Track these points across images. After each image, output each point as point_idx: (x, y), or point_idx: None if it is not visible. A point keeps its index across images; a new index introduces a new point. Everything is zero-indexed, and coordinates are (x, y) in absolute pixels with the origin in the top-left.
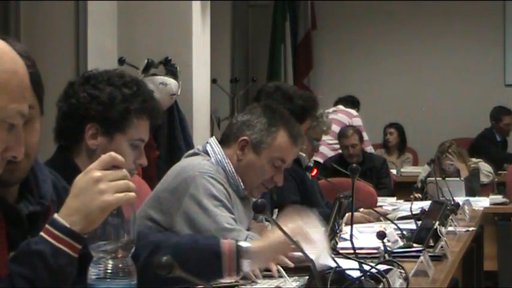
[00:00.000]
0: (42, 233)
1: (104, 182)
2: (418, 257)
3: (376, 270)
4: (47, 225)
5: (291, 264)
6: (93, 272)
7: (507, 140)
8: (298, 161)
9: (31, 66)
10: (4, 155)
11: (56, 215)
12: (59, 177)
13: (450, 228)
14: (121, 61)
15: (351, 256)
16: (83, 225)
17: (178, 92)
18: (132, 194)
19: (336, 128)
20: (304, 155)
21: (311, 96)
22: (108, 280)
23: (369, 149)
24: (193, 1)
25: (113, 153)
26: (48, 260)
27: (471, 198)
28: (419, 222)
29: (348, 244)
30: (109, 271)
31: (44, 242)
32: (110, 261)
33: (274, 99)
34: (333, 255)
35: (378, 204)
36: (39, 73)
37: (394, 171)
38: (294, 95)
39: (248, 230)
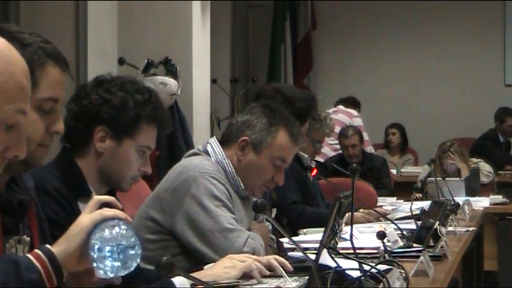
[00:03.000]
0: (36, 263)
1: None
2: (418, 257)
3: (376, 270)
4: (42, 256)
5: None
6: None
7: (510, 141)
8: (299, 162)
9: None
10: (4, 155)
11: (55, 251)
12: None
13: (450, 228)
14: (121, 61)
15: (351, 256)
16: (63, 245)
17: (178, 92)
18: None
19: (336, 128)
20: (306, 156)
21: (310, 96)
22: None
23: (369, 149)
24: (193, 1)
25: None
26: (21, 271)
27: (471, 198)
28: (419, 222)
29: (348, 244)
30: None
31: (25, 257)
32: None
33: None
34: (333, 255)
35: (378, 204)
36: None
37: (394, 171)
38: (293, 98)
39: (249, 230)
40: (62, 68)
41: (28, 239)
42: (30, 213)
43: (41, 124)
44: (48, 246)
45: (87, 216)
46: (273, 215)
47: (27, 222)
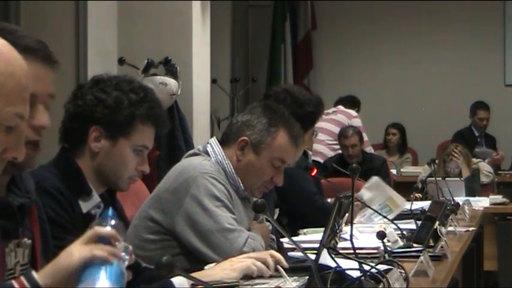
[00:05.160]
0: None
1: (76, 245)
2: (418, 257)
3: (376, 270)
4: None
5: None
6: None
7: (488, 134)
8: (306, 157)
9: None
10: (4, 156)
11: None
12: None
13: (450, 228)
14: (121, 61)
15: (351, 256)
16: (51, 280)
17: (178, 92)
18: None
19: (335, 129)
20: (310, 152)
21: (318, 99)
22: None
23: (369, 149)
24: (193, 1)
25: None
26: None
27: (471, 198)
28: (419, 222)
29: (348, 244)
30: None
31: (10, 285)
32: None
33: (285, 104)
34: (333, 255)
35: None
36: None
37: (394, 171)
38: (304, 101)
39: (249, 230)
40: (42, 62)
41: (29, 241)
42: (31, 215)
43: None
44: (34, 275)
45: (78, 251)
46: (276, 216)
47: (29, 225)
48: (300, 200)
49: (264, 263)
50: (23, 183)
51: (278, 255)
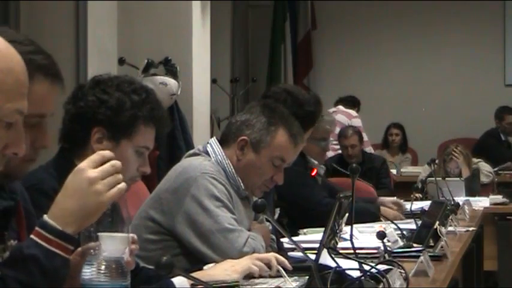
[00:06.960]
0: (33, 236)
1: (99, 181)
2: (418, 257)
3: (376, 270)
4: (37, 228)
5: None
6: (86, 272)
7: (509, 140)
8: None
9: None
10: (4, 152)
11: (46, 217)
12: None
13: (450, 228)
14: (121, 61)
15: (351, 256)
16: (77, 227)
17: (178, 92)
18: (122, 185)
19: (335, 129)
20: (315, 162)
21: (317, 99)
22: (102, 280)
23: (369, 149)
24: (193, 1)
25: (101, 152)
26: (43, 264)
27: (471, 198)
28: (419, 222)
29: (348, 244)
30: (102, 271)
31: (36, 245)
32: (104, 261)
33: (285, 105)
34: (333, 255)
35: None
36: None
37: (394, 171)
38: (303, 101)
39: (249, 230)
40: (52, 81)
41: (15, 242)
42: (18, 215)
43: (26, 139)
44: (53, 223)
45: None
46: (276, 216)
47: (14, 225)
48: (313, 203)
49: (268, 263)
50: (7, 185)
51: (282, 258)
